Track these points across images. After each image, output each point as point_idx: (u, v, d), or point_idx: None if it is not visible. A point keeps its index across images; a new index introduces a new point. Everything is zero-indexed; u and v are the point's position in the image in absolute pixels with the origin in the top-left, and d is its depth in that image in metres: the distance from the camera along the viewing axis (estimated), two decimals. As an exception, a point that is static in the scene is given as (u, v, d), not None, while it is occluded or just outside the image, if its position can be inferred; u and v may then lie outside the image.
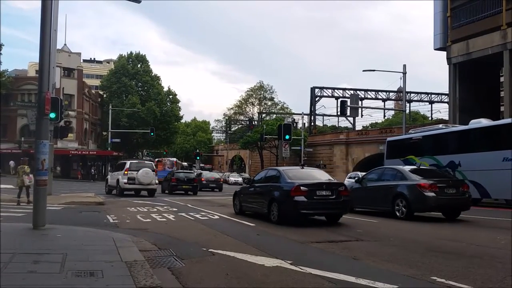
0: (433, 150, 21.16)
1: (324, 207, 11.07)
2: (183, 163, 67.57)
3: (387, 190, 12.96)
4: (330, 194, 10.97)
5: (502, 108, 30.01)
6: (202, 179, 34.64)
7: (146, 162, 27.43)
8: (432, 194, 11.74)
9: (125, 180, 22.72)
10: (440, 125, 21.73)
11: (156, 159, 69.36)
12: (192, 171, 34.68)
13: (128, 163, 24.06)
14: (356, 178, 18.32)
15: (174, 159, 65.49)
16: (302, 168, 13.65)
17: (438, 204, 11.96)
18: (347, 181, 27.87)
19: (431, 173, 13.62)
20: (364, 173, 18.80)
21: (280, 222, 10.76)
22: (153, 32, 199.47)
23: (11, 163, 45.43)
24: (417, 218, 11.98)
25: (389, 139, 26.01)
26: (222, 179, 38.66)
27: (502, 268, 5.74)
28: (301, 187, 10.72)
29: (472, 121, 20.09)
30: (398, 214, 12.29)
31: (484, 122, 19.39)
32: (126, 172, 22.96)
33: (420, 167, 14.24)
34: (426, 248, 7.32)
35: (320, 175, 12.58)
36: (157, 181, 24.71)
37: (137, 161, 27.19)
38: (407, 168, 13.62)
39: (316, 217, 11.76)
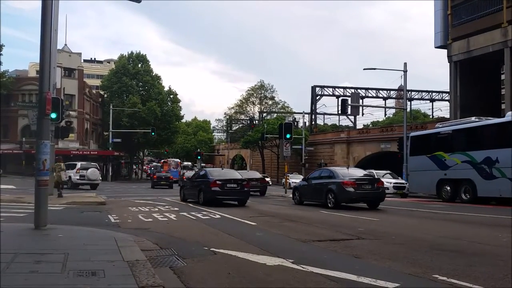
0: (466, 145, 19.47)
1: (232, 194, 16.84)
2: (184, 163, 67.77)
3: (322, 186, 16.36)
4: (236, 186, 16.78)
5: (503, 106, 29.98)
6: (184, 177, 40.59)
7: (91, 163, 34.00)
8: (351, 189, 15.24)
9: (77, 177, 29.54)
10: (473, 118, 19.92)
11: (162, 160, 69.81)
12: (169, 171, 42.28)
13: (78, 164, 30.53)
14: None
15: (178, 160, 65.88)
16: (222, 169, 21.38)
17: (357, 196, 15.42)
18: None
19: (356, 173, 16.86)
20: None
21: (204, 204, 16.23)
22: (153, 32, 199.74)
23: None
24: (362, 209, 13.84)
25: (412, 134, 24.41)
26: None
27: (504, 266, 5.74)
28: (217, 181, 16.40)
29: (509, 112, 18.70)
30: (329, 205, 15.61)
31: None
32: (78, 171, 29.68)
33: (349, 168, 18.15)
34: (428, 246, 7.31)
35: (233, 174, 18.82)
36: (100, 178, 32.33)
37: (85, 162, 33.29)
38: (338, 169, 17.61)
39: (231, 202, 17.07)
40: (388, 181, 26.17)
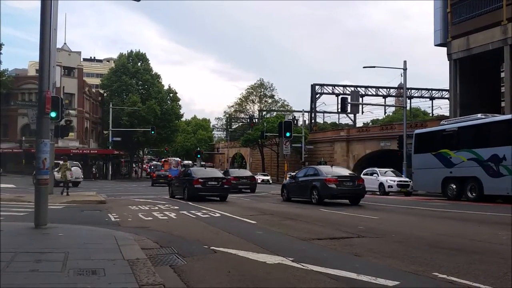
0: (472, 142, 19.11)
1: (212, 191, 18.68)
2: (184, 162, 67.90)
3: (308, 183, 17.27)
4: (217, 183, 18.67)
5: (502, 104, 29.95)
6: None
7: (74, 162, 34.14)
8: (333, 186, 16.16)
9: (60, 175, 30.17)
10: (479, 115, 19.53)
11: (163, 159, 70.14)
12: (168, 170, 43.96)
13: (60, 163, 31.77)
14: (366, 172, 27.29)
15: (179, 159, 66.20)
16: (205, 168, 25.41)
17: (338, 193, 16.41)
18: (362, 177, 27.93)
19: (339, 172, 17.88)
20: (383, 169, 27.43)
21: (188, 200, 17.91)
22: (153, 31, 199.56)
23: None
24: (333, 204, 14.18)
25: (417, 131, 24.15)
26: None
27: (504, 264, 5.74)
28: (199, 179, 18.34)
29: None
30: (313, 201, 16.60)
31: None
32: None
33: (333, 166, 19.72)
34: (427, 244, 7.32)
35: (215, 173, 20.60)
36: (82, 176, 32.65)
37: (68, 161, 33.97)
38: (322, 167, 18.88)
39: (214, 198, 18.85)
40: (392, 179, 25.96)
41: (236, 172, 29.22)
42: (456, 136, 20.19)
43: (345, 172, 18.60)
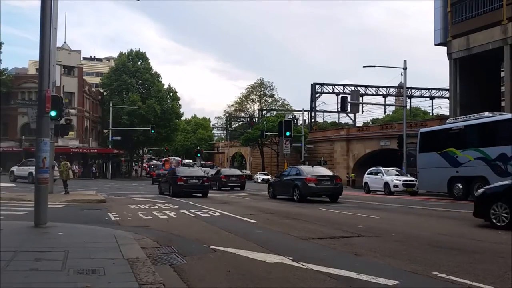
0: (479, 141, 18.83)
1: (194, 187, 21.03)
2: (185, 161, 67.99)
3: (290, 182, 18.65)
4: (198, 181, 21.17)
5: (502, 104, 29.97)
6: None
7: (53, 161, 33.15)
8: (313, 184, 17.59)
9: (63, 175, 30.70)
10: (486, 113, 19.17)
11: (164, 159, 70.30)
12: (166, 170, 46.36)
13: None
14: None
15: (179, 158, 66.30)
16: (189, 168, 29.39)
17: (318, 191, 17.80)
18: (367, 177, 27.87)
19: (320, 172, 19.21)
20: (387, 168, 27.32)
21: (173, 196, 20.06)
22: (152, 30, 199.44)
23: None
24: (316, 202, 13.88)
25: (422, 130, 23.76)
26: None
27: (503, 263, 5.75)
28: (182, 177, 20.85)
29: None
30: (295, 198, 17.96)
31: None
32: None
33: (314, 166, 21.07)
34: (427, 244, 7.33)
35: (196, 172, 23.56)
36: (58, 174, 35.33)
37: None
38: (304, 167, 20.30)
39: (197, 195, 20.81)
40: (398, 178, 25.51)
41: (227, 171, 33.35)
42: (463, 135, 19.90)
43: (325, 172, 19.84)
